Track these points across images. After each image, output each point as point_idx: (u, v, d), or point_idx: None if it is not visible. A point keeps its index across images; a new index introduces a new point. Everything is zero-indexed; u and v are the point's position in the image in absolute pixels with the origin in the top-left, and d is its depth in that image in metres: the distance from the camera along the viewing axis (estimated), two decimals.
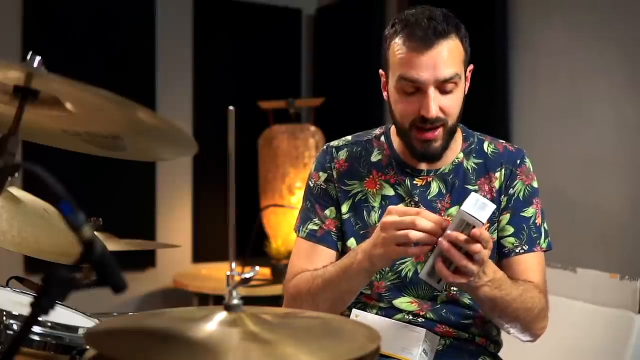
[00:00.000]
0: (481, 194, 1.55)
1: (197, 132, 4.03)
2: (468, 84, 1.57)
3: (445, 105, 1.48)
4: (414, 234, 1.31)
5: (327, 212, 1.62)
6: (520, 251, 1.55)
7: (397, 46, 1.49)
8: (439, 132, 1.49)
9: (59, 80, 1.00)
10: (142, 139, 1.22)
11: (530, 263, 1.56)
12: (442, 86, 1.47)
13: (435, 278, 1.34)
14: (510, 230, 1.56)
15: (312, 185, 1.66)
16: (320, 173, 1.65)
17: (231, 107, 1.07)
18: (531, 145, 2.94)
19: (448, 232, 1.29)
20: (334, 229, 1.61)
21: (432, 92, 1.46)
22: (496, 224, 1.58)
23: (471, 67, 1.57)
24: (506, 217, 1.57)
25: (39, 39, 3.59)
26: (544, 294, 1.53)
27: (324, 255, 1.59)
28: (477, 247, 1.27)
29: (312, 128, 3.82)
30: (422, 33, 1.44)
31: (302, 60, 4.48)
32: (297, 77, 4.47)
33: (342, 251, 1.60)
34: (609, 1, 2.77)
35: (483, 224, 1.27)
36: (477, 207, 1.27)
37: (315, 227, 1.61)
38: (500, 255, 1.57)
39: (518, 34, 3.12)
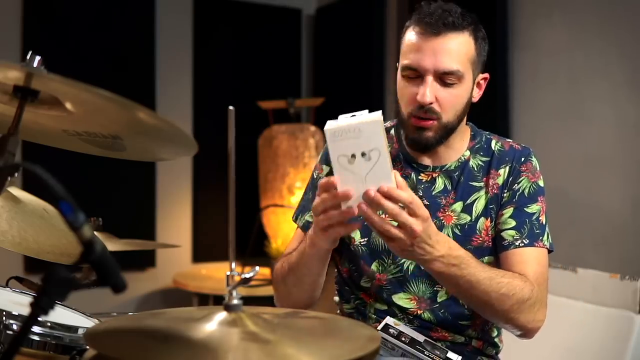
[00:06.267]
0: (486, 191, 1.56)
1: (197, 132, 4.03)
2: (480, 92, 1.58)
3: (442, 97, 1.48)
4: (334, 215, 1.27)
5: None
6: (520, 244, 1.50)
7: (407, 34, 1.52)
8: (433, 124, 1.49)
9: (59, 80, 1.00)
10: (142, 139, 1.22)
11: (527, 256, 1.49)
12: (443, 78, 1.47)
13: None
14: (512, 223, 1.52)
15: (315, 177, 1.69)
16: (324, 166, 1.67)
17: (231, 107, 1.07)
18: (531, 144, 2.89)
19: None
20: None
21: (430, 80, 1.46)
22: (494, 219, 1.55)
23: (486, 75, 1.57)
24: (509, 210, 1.53)
25: (39, 39, 3.59)
26: (536, 286, 1.44)
27: None
28: (390, 206, 1.22)
29: (312, 128, 3.82)
30: (432, 20, 1.46)
31: (302, 60, 4.48)
32: (297, 77, 4.47)
33: (348, 244, 1.61)
34: (609, 1, 2.77)
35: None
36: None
37: (311, 220, 1.60)
38: (500, 248, 1.52)
39: (518, 33, 3.12)
